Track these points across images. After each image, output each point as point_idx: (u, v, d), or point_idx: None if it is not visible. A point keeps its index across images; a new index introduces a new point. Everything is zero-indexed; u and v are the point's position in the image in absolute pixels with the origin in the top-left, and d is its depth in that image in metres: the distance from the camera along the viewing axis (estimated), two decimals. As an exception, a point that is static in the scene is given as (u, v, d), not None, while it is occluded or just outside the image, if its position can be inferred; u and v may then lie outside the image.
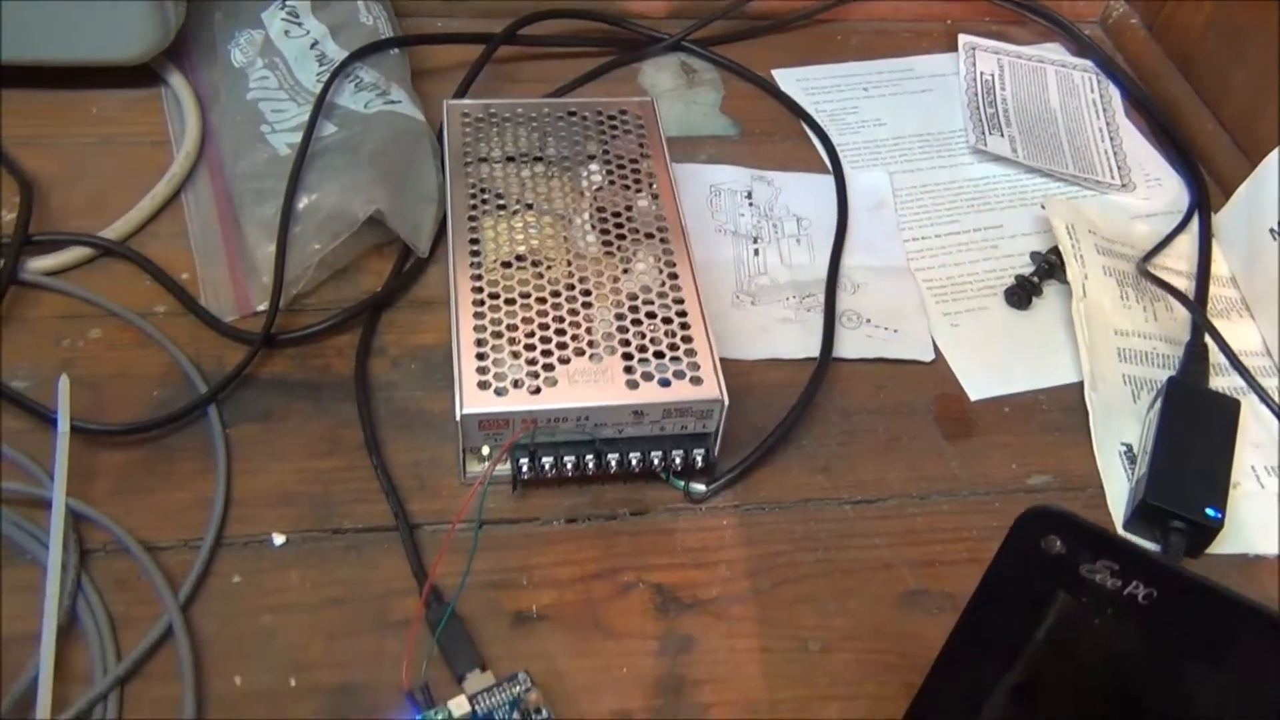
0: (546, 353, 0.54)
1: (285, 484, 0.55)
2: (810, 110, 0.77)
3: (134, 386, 0.58)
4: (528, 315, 0.56)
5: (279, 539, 0.53)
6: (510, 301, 0.56)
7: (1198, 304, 0.65)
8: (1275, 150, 0.67)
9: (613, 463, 0.54)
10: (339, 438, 0.57)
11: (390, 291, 0.63)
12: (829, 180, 0.72)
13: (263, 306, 0.61)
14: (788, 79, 0.79)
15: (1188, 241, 0.70)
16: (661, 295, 0.57)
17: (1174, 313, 0.66)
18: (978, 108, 0.78)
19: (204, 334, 0.60)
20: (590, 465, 0.54)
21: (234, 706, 0.47)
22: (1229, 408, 0.59)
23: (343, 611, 0.50)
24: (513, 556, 0.53)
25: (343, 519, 0.54)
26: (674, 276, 0.58)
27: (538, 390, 0.53)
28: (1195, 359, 0.62)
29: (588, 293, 0.57)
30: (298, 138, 0.64)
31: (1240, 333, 0.66)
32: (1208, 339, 0.63)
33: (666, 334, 0.55)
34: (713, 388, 0.54)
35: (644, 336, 0.55)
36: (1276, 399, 0.61)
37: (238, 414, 0.57)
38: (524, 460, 0.54)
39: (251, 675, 0.48)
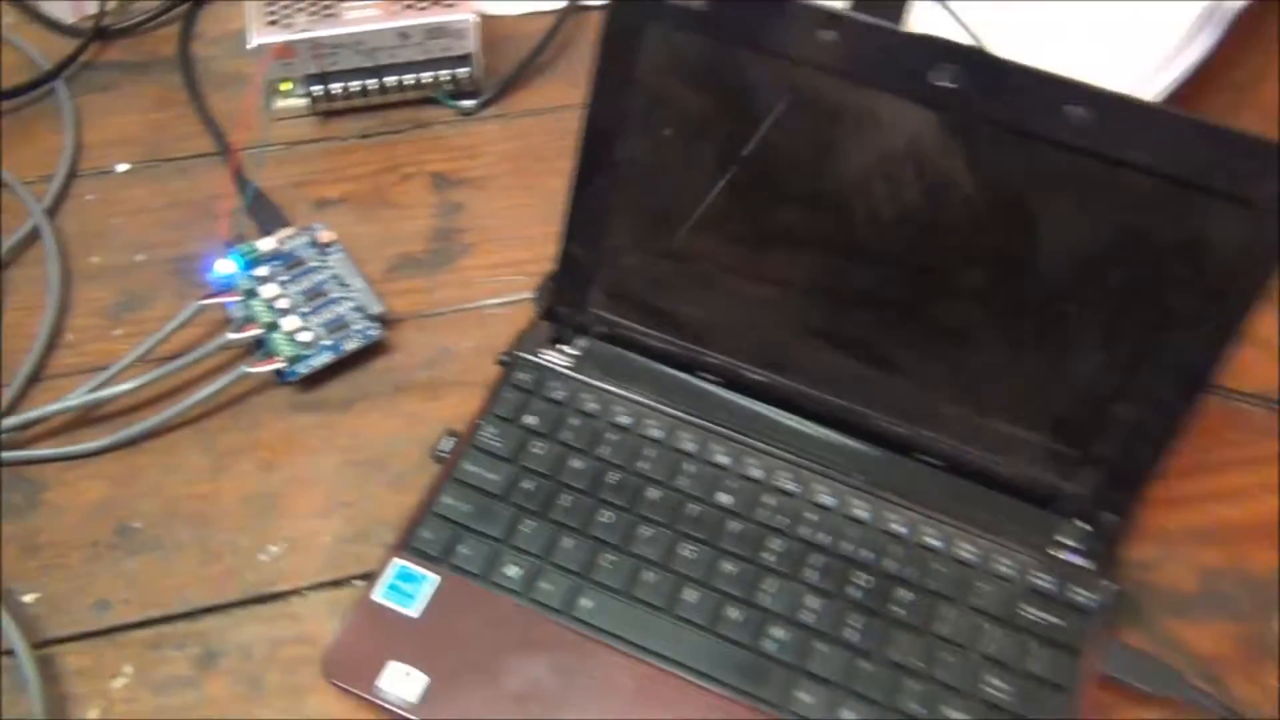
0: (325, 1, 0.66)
1: (126, 131, 0.66)
2: None
3: (-9, 77, 0.69)
4: (313, -19, 0.67)
5: (122, 167, 0.65)
6: (296, -29, 0.68)
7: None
8: None
9: (389, 84, 0.67)
10: (169, 99, 0.68)
11: (205, -11, 0.74)
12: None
13: (94, 9, 0.72)
14: None
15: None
16: (425, -43, 0.69)
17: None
18: None
19: (49, 37, 0.71)
20: (373, 88, 0.66)
21: (93, 278, 0.60)
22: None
23: (177, 210, 0.63)
24: (315, 164, 0.66)
25: (174, 150, 0.66)
26: (437, -57, 0.70)
27: (318, 22, 0.64)
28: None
29: (362, -40, 0.68)
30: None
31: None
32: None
33: (427, -20, 0.67)
34: (466, 9, 0.66)
35: (408, -16, 0.67)
36: None
37: (83, 88, 0.69)
38: (315, 86, 0.66)
39: (105, 255, 0.61)
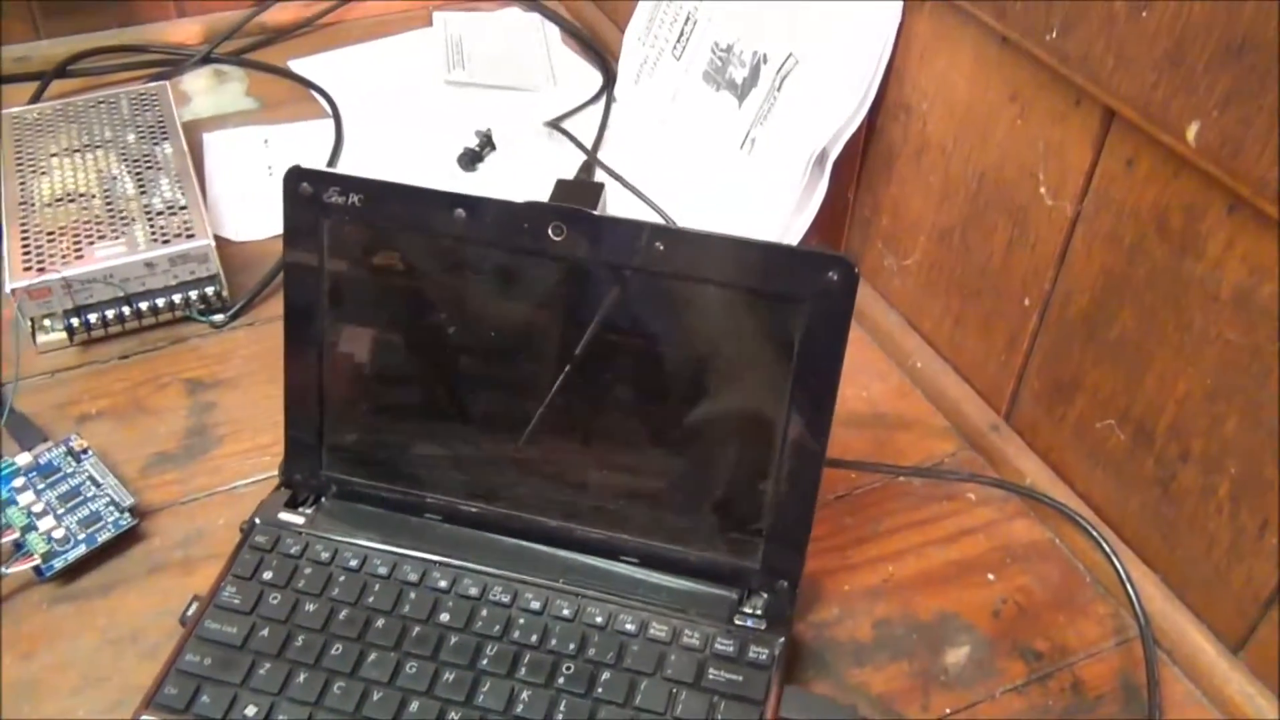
0: (77, 242, 0.74)
1: (-105, 381, 0.72)
2: (319, 82, 1.00)
3: None
4: (66, 226, 0.76)
5: (-109, 412, 0.70)
6: (52, 231, 0.76)
7: (592, 149, 0.91)
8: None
9: (144, 309, 0.74)
10: (-61, 347, 0.75)
11: (-26, 250, 0.81)
12: (330, 122, 0.95)
13: None
14: (303, 65, 1.03)
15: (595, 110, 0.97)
16: (171, 205, 0.78)
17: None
18: (448, 53, 1.03)
19: None
20: (127, 314, 0.74)
21: None
22: (594, 188, 0.83)
23: (-55, 443, 0.68)
24: (76, 387, 0.72)
25: (-56, 390, 0.72)
26: (182, 192, 0.79)
27: (69, 263, 0.72)
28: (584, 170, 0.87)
29: (111, 210, 0.77)
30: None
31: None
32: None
33: (173, 220, 0.76)
34: (204, 237, 0.75)
35: (152, 224, 0.76)
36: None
37: None
38: (73, 319, 0.73)
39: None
